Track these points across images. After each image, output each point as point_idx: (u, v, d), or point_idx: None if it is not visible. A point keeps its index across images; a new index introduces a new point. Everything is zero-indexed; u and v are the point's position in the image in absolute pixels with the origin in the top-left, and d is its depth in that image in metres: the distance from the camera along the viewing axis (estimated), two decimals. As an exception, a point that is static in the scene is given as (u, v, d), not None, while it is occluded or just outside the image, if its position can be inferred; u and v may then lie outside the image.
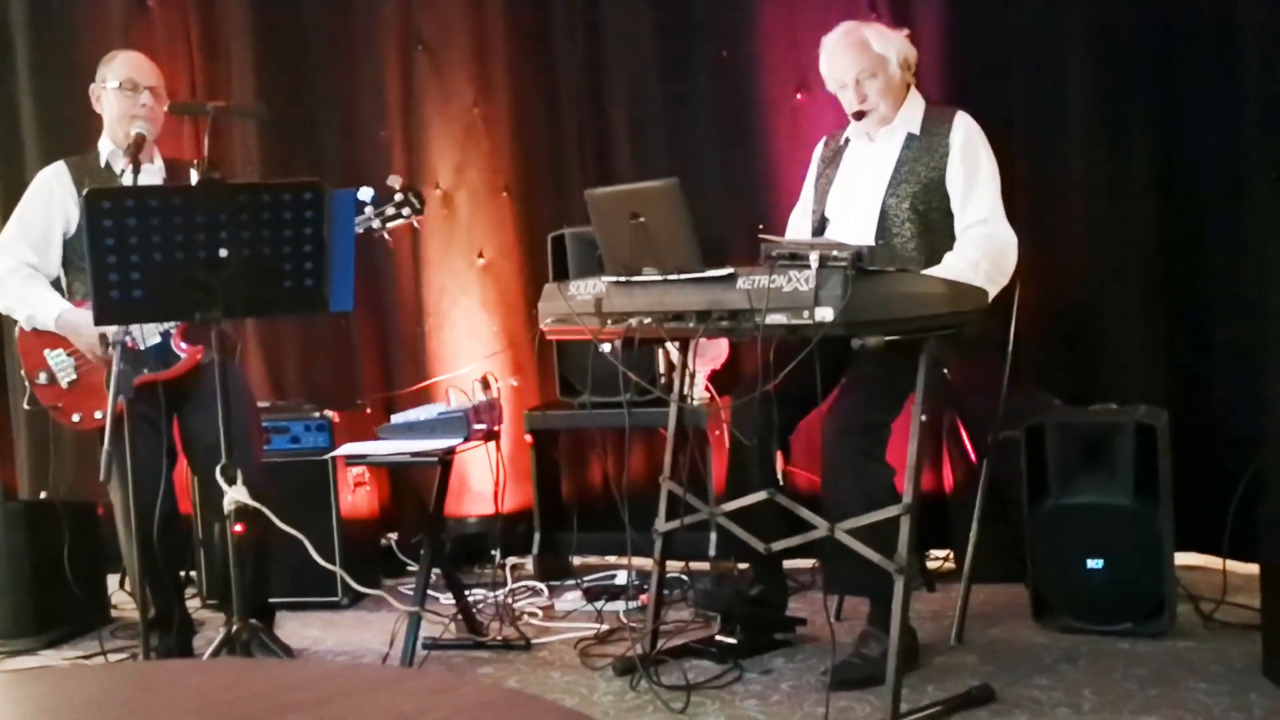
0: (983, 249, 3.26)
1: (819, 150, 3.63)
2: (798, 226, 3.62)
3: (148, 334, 3.43)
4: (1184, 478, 3.52)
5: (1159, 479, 3.41)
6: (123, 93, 3.52)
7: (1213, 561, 3.72)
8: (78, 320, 3.34)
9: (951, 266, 3.22)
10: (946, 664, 3.31)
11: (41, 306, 3.45)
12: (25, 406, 3.57)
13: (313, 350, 4.91)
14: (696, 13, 4.49)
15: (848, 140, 3.51)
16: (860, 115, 3.40)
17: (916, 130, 3.40)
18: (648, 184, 3.05)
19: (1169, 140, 3.94)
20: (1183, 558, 3.68)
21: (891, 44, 3.41)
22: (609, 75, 4.63)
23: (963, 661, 3.32)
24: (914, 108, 3.43)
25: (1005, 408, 3.56)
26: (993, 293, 3.22)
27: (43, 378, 3.49)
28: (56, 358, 3.48)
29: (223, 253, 2.82)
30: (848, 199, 3.44)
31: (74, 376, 3.48)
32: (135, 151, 3.26)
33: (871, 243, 3.26)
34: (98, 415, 3.32)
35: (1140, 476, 3.43)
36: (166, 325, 3.41)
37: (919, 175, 3.35)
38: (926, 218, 3.33)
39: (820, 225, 3.47)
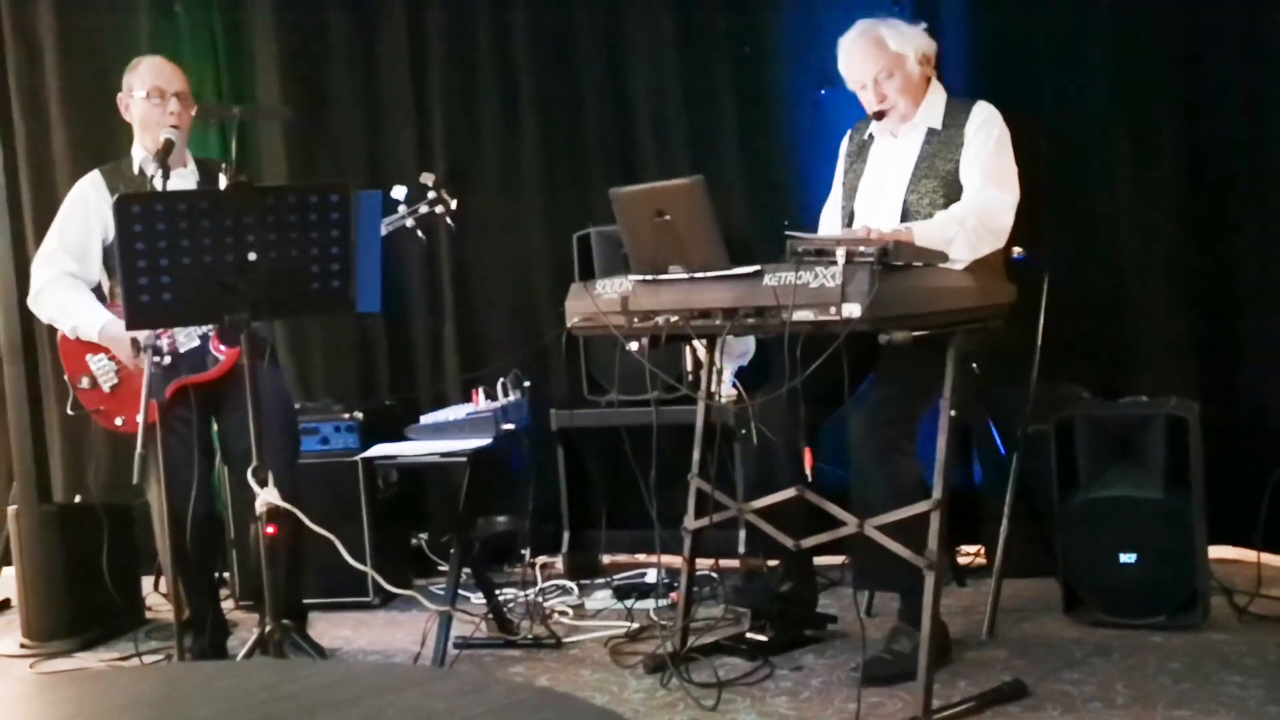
0: (973, 206, 3.23)
1: (845, 145, 3.62)
2: (829, 222, 3.61)
3: (186, 337, 3.45)
4: (1216, 470, 3.50)
5: (1190, 471, 3.39)
6: (150, 101, 3.54)
7: (1247, 554, 3.69)
8: (119, 332, 3.37)
9: (937, 221, 3.19)
10: (978, 659, 3.30)
11: (85, 318, 3.48)
12: (69, 411, 3.60)
13: (340, 351, 4.93)
14: (718, 9, 4.49)
15: (872, 136, 3.50)
16: (881, 115, 3.39)
17: (938, 125, 3.38)
18: (672, 182, 3.05)
19: (1196, 132, 3.92)
20: (1216, 550, 3.65)
21: (908, 40, 3.38)
22: (631, 73, 4.64)
23: (994, 656, 3.31)
24: (935, 102, 3.41)
25: (1034, 401, 3.54)
26: (981, 250, 3.17)
27: (85, 382, 3.52)
28: (99, 362, 3.51)
29: (251, 256, 2.83)
30: (872, 196, 3.44)
31: (115, 380, 3.51)
32: (164, 157, 3.29)
33: (898, 238, 3.25)
34: (139, 418, 3.35)
35: (1171, 469, 3.40)
36: (205, 328, 3.44)
37: (938, 170, 3.33)
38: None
39: (848, 222, 3.46)
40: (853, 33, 3.44)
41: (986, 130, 3.32)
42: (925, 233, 3.10)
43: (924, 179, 3.34)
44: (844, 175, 3.56)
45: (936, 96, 3.42)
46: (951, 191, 3.31)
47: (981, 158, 3.30)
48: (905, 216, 3.33)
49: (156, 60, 3.67)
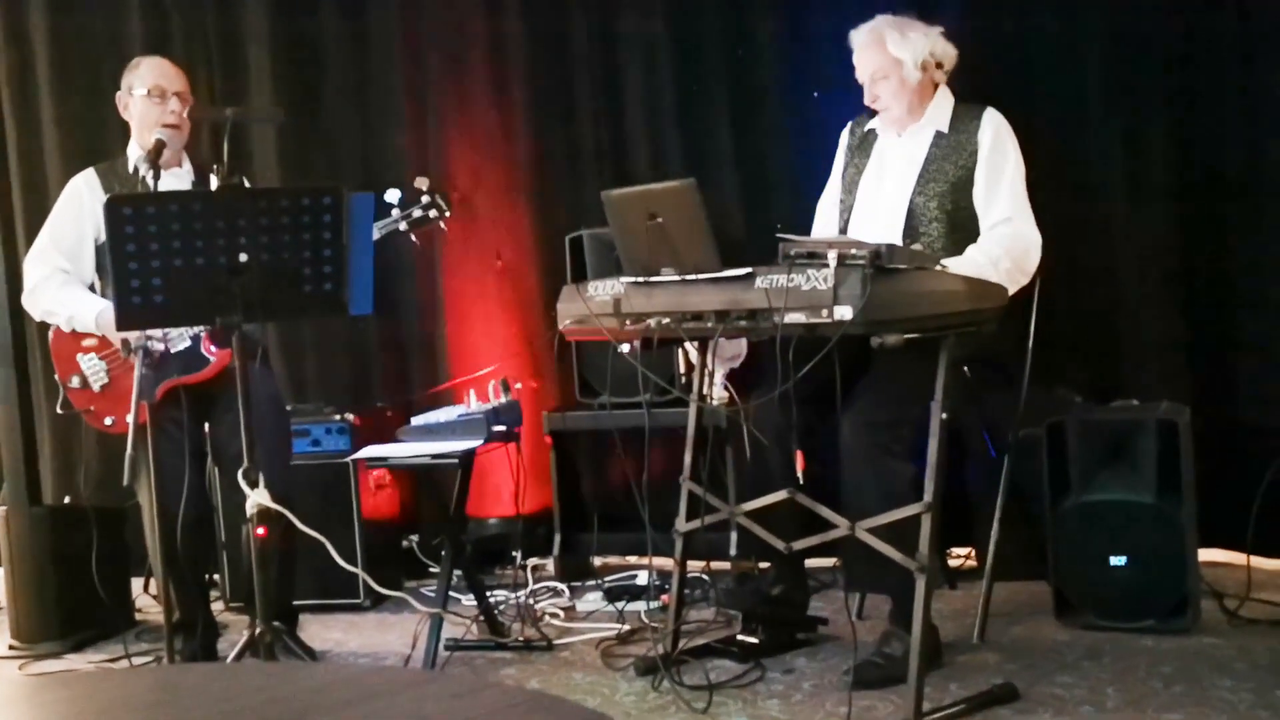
0: (1005, 247, 3.26)
1: (845, 138, 3.62)
2: (827, 216, 3.61)
3: (177, 337, 3.45)
4: (1207, 474, 3.51)
5: (1181, 475, 3.40)
6: (151, 100, 3.53)
7: (1237, 558, 3.70)
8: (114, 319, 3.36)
9: (972, 260, 3.21)
10: (969, 662, 3.30)
11: (80, 308, 3.48)
12: (59, 410, 3.59)
13: (332, 353, 4.92)
14: (710, 11, 4.49)
15: (875, 131, 3.50)
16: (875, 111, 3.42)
17: (945, 128, 3.39)
18: (665, 184, 3.05)
19: (1188, 135, 3.93)
20: (1207, 554, 3.66)
21: (909, 45, 3.38)
22: (624, 76, 4.63)
23: (985, 660, 3.32)
24: (943, 105, 3.42)
25: (1026, 405, 3.54)
26: (1011, 291, 3.21)
27: (75, 381, 3.51)
28: (89, 361, 3.50)
29: (243, 257, 2.83)
30: (875, 196, 3.44)
31: (106, 380, 3.50)
32: (155, 158, 3.28)
33: (898, 241, 3.25)
34: (129, 418, 3.34)
35: (1163, 473, 3.41)
36: (196, 329, 3.43)
37: (947, 174, 3.34)
38: (954, 217, 3.32)
39: (847, 218, 3.46)
40: (865, 26, 3.46)
41: (1003, 149, 3.33)
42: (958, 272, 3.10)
43: (931, 182, 3.34)
44: (844, 169, 3.56)
45: (944, 100, 3.43)
46: (959, 197, 3.32)
47: (1005, 183, 3.31)
48: (910, 218, 3.33)
49: (158, 60, 3.67)
